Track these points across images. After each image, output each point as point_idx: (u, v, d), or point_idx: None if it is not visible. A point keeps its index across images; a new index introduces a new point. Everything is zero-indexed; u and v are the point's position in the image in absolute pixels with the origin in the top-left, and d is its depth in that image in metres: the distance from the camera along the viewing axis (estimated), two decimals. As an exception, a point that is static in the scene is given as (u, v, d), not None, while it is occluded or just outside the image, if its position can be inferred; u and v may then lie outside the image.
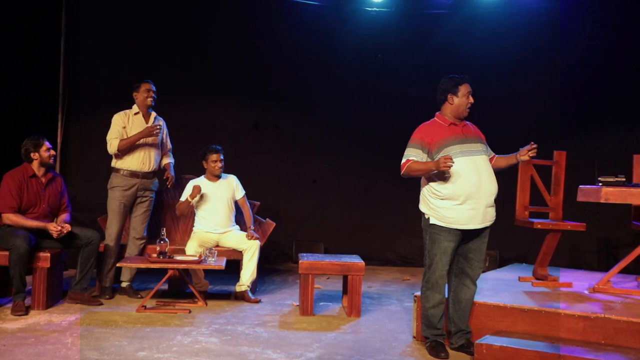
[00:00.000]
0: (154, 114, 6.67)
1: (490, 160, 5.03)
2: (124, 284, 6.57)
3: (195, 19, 8.50)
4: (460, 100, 4.88)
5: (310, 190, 8.93)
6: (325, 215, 8.91)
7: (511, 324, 4.94)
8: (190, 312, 5.99)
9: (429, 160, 4.82)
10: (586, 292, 5.57)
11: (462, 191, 4.75)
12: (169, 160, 6.80)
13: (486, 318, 5.01)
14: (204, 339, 5.15)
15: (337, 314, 6.14)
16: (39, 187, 6.05)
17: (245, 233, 6.69)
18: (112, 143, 6.45)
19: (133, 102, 6.61)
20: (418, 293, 5.29)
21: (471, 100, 4.91)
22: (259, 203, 7.32)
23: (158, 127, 6.46)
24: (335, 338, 5.32)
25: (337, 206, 8.88)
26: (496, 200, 4.92)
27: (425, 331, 5.01)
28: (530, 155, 4.88)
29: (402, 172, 4.89)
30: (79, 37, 8.18)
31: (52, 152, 6.10)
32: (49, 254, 5.94)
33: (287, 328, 5.60)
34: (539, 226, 5.69)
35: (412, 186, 5.04)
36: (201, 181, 6.83)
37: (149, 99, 6.55)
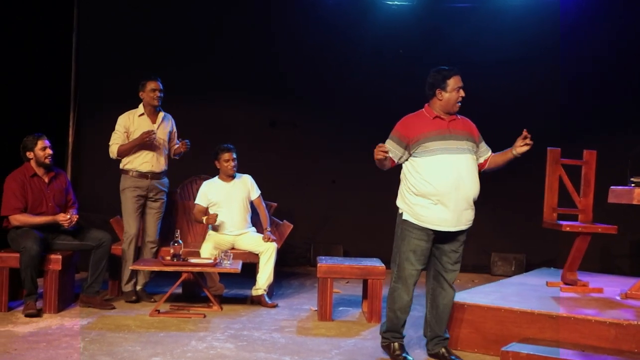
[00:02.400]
0: (162, 113, 6.66)
1: (488, 158, 4.96)
2: (138, 287, 6.61)
3: (209, 14, 8.51)
4: (449, 95, 4.78)
5: (329, 190, 8.93)
6: (344, 216, 8.90)
7: (538, 330, 4.92)
8: (205, 316, 6.02)
9: (406, 153, 4.80)
10: (618, 298, 5.54)
11: (436, 190, 4.69)
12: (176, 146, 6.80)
13: (512, 324, 5.00)
14: (219, 345, 5.17)
15: (357, 320, 6.15)
16: (41, 185, 6.11)
17: (262, 235, 6.71)
18: (112, 149, 6.52)
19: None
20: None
21: (462, 94, 4.79)
22: (275, 204, 7.34)
23: (152, 132, 6.41)
24: (355, 344, 5.32)
25: (356, 207, 8.86)
26: (476, 202, 4.85)
27: (386, 332, 4.98)
28: (527, 144, 4.74)
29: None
30: (90, 34, 8.23)
31: (49, 151, 6.10)
32: (60, 256, 6.00)
33: (305, 334, 5.61)
34: (567, 229, 5.66)
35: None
36: (215, 182, 6.86)
37: (154, 100, 6.51)
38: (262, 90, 8.65)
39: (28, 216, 5.99)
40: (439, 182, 4.68)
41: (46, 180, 6.14)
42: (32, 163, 6.10)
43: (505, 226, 8.59)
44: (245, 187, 6.88)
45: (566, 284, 5.87)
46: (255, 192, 6.93)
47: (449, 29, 8.56)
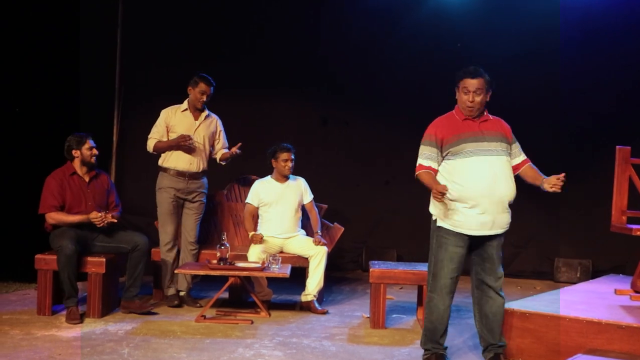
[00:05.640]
0: (205, 112, 6.73)
1: (521, 164, 4.97)
2: (181, 293, 6.68)
3: (255, 6, 8.55)
4: (459, 96, 4.95)
5: (382, 192, 8.89)
6: (398, 219, 8.86)
7: (606, 341, 4.84)
8: (252, 323, 6.06)
9: (440, 157, 4.89)
10: (693, 307, 5.41)
11: (472, 194, 4.75)
12: (225, 150, 6.86)
13: (578, 335, 4.92)
14: (267, 352, 5.20)
15: (411, 328, 6.12)
16: (81, 184, 6.23)
17: (312, 238, 6.73)
18: (149, 143, 6.67)
19: (185, 97, 6.70)
20: (501, 306, 5.25)
21: (470, 98, 4.86)
22: (326, 206, 7.34)
23: (189, 138, 6.50)
24: (410, 354, 5.30)
25: (411, 209, 8.77)
26: (511, 205, 4.88)
27: (426, 343, 5.03)
28: (556, 185, 4.75)
29: (415, 174, 5.01)
30: (135, 30, 8.33)
31: (95, 151, 6.25)
32: (104, 259, 6.10)
33: (357, 342, 5.61)
34: (638, 233, 5.54)
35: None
36: (268, 181, 6.89)
37: (199, 102, 6.61)
38: (312, 87, 8.64)
39: (63, 214, 6.11)
40: (474, 185, 4.75)
41: (87, 179, 6.26)
42: (76, 162, 6.24)
43: (570, 230, 8.45)
44: (299, 190, 6.91)
45: (636, 292, 5.75)
46: (308, 196, 6.95)
47: (512, 20, 8.39)
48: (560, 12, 8.26)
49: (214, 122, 6.83)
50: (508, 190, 4.81)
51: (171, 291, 6.63)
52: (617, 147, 5.76)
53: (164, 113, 6.70)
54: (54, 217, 6.11)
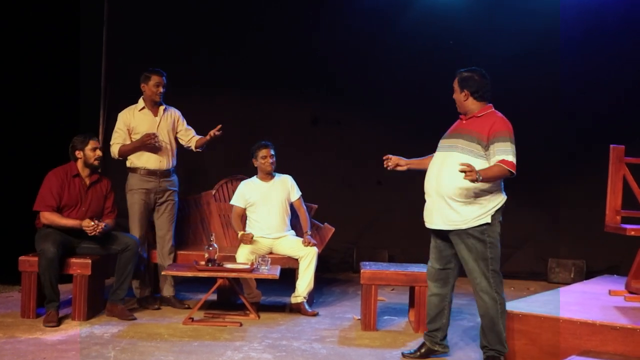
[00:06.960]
0: (162, 107, 6.68)
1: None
2: (166, 294, 6.67)
3: (254, 7, 8.52)
4: None
5: (374, 192, 8.89)
6: (389, 219, 8.85)
7: (600, 343, 4.84)
8: (241, 325, 6.05)
9: None
10: (688, 308, 5.42)
11: (425, 186, 5.11)
12: (198, 137, 6.77)
13: (572, 336, 4.92)
14: (257, 355, 5.19)
15: (403, 330, 6.12)
16: (81, 187, 6.20)
17: (302, 239, 6.72)
18: (112, 149, 6.60)
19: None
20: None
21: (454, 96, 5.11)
22: (316, 206, 7.33)
23: (154, 136, 6.46)
24: (401, 356, 5.28)
25: (403, 210, 8.79)
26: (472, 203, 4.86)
27: None
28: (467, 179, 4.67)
29: None
30: (121, 27, 8.29)
31: (99, 152, 6.22)
32: (89, 261, 6.07)
33: (348, 344, 5.61)
34: (632, 233, 5.55)
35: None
36: (253, 181, 6.88)
37: (156, 95, 6.57)
38: (303, 85, 8.63)
39: (57, 216, 6.08)
40: (425, 178, 5.12)
41: (87, 183, 6.23)
42: (79, 163, 6.21)
43: (564, 230, 8.47)
44: (285, 187, 6.90)
45: (631, 292, 5.77)
46: (295, 194, 6.93)
47: (512, 20, 8.38)
48: (560, 12, 8.28)
49: (172, 114, 6.75)
50: (446, 185, 4.91)
51: (146, 292, 6.62)
52: (611, 145, 5.77)
53: (122, 116, 6.63)
54: (47, 217, 6.07)
